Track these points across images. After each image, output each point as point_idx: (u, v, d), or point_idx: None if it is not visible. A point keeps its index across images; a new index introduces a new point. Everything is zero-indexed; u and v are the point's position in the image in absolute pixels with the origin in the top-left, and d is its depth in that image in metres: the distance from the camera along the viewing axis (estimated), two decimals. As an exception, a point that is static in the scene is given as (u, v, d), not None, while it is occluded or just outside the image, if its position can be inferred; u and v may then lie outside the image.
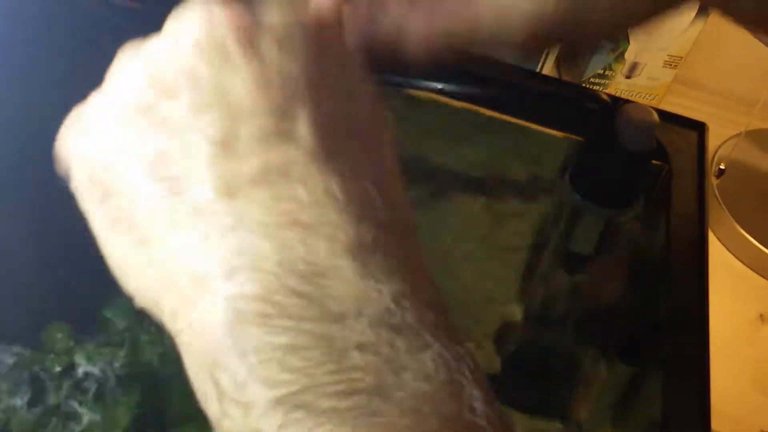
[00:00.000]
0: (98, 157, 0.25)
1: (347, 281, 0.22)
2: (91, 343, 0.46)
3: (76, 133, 0.26)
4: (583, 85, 0.75)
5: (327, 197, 0.23)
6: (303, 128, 0.24)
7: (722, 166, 0.72)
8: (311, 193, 0.23)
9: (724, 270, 0.67)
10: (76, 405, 0.45)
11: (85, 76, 0.57)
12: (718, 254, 0.68)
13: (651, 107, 0.50)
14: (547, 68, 0.75)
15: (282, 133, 0.23)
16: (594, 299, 0.57)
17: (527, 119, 0.53)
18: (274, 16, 0.26)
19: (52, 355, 0.46)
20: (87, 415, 0.44)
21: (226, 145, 0.23)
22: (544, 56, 0.73)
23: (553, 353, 0.56)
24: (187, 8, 0.26)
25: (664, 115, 0.52)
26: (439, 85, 0.52)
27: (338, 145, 0.24)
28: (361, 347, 0.21)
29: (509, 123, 0.53)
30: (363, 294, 0.22)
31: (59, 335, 0.46)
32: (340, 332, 0.21)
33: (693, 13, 0.69)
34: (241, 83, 0.24)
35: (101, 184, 0.25)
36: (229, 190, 0.23)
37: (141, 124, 0.24)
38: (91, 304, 0.48)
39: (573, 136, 0.53)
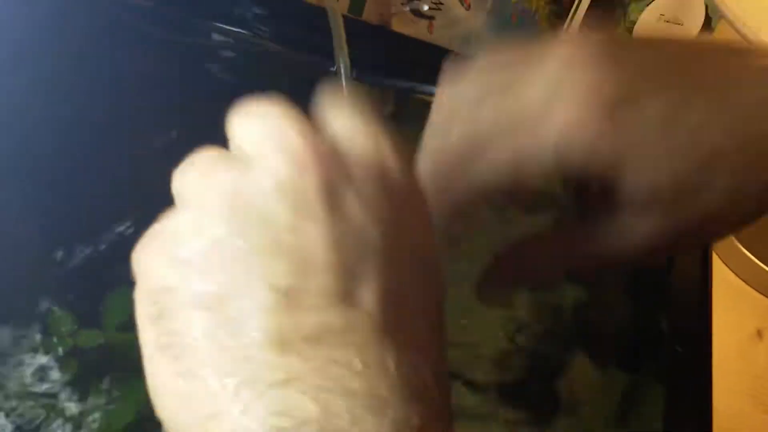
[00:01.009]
0: (162, 276, 0.25)
1: None
2: (94, 328, 0.46)
3: (151, 247, 0.26)
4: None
5: (380, 370, 0.22)
6: (368, 294, 0.23)
7: (723, 183, 0.72)
8: (365, 362, 0.22)
9: (723, 286, 0.67)
10: (80, 391, 0.45)
11: (97, 71, 0.57)
12: (716, 270, 0.68)
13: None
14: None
15: (346, 294, 0.23)
16: (595, 310, 0.57)
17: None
18: (360, 166, 0.25)
19: (56, 339, 0.45)
20: (91, 402, 0.44)
21: (288, 296, 0.22)
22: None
23: (552, 361, 0.56)
24: (277, 138, 0.25)
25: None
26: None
27: (400, 317, 0.23)
28: None
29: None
30: None
31: (64, 319, 0.46)
32: None
33: (698, 27, 0.69)
34: (316, 236, 0.23)
35: (158, 304, 0.25)
36: (283, 344, 0.22)
37: (210, 254, 0.24)
38: (96, 290, 0.47)
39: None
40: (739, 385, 0.60)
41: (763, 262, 0.67)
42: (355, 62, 0.48)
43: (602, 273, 0.35)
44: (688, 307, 0.50)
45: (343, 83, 0.46)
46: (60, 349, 0.45)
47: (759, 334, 0.64)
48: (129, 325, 0.46)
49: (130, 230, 0.50)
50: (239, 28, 0.57)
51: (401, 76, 0.58)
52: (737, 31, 0.55)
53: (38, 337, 0.46)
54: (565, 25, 0.65)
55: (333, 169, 0.24)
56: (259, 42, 0.56)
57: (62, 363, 0.45)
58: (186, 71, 0.57)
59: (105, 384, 0.45)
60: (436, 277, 0.26)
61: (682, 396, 0.46)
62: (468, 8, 0.61)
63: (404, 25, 0.61)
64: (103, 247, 0.49)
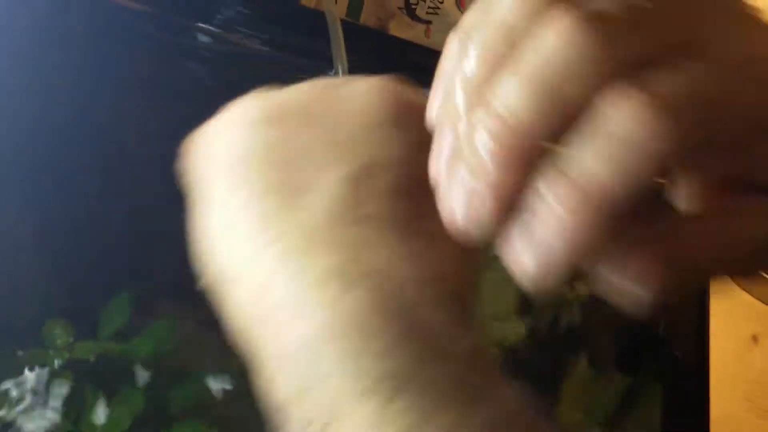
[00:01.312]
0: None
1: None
2: (91, 339, 0.46)
3: (199, 153, 0.29)
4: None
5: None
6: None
7: (720, 187, 0.72)
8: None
9: (719, 290, 0.67)
10: (77, 401, 0.44)
11: (97, 71, 0.57)
12: (713, 274, 0.68)
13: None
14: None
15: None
16: (594, 311, 0.57)
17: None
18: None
19: (52, 351, 0.46)
20: (90, 411, 0.44)
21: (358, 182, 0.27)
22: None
23: (551, 362, 0.56)
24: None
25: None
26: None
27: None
28: None
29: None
30: None
31: (59, 331, 0.46)
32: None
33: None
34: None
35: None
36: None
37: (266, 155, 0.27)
38: (92, 300, 0.48)
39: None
40: (735, 390, 0.60)
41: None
42: (352, 66, 0.48)
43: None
44: (686, 311, 0.50)
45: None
46: (56, 362, 0.46)
47: (754, 339, 0.64)
48: (124, 335, 0.46)
49: (130, 231, 0.50)
50: (237, 32, 0.57)
51: (399, 80, 0.58)
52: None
53: (36, 348, 0.46)
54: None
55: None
56: (257, 45, 0.56)
57: (58, 374, 0.45)
58: (185, 73, 0.57)
59: (100, 394, 0.45)
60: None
61: (680, 399, 0.46)
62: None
63: (402, 29, 0.61)
64: (102, 249, 0.49)
